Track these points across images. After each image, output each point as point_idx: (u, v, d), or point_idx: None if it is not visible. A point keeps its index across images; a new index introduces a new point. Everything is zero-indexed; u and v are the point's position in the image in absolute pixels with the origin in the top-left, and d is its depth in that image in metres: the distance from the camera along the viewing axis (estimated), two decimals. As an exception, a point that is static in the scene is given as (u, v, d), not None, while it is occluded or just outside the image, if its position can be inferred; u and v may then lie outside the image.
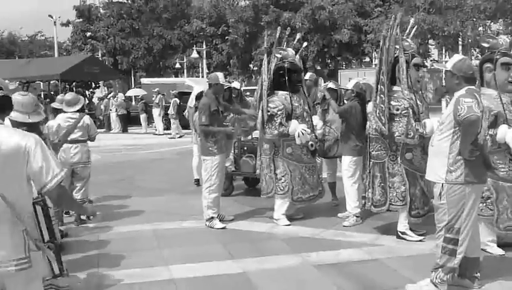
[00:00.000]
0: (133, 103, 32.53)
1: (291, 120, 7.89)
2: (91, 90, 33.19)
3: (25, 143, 3.22)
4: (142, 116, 26.44)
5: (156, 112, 24.96)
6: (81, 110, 8.46)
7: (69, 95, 8.53)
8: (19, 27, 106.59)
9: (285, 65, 8.06)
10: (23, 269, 3.23)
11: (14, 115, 4.80)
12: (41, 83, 34.96)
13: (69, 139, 8.21)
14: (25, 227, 3.27)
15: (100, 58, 40.13)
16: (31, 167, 3.22)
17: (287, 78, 8.00)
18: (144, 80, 33.34)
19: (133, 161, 15.81)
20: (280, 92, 8.03)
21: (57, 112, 8.54)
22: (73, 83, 31.68)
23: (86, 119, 8.44)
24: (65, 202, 3.53)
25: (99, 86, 38.01)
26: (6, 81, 6.86)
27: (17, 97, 4.87)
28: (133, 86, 43.38)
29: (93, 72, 29.27)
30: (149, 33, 43.70)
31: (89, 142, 8.50)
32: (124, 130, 26.75)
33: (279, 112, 7.86)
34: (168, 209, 9.26)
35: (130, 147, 19.61)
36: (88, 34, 46.48)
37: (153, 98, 25.22)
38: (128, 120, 27.97)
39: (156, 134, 24.60)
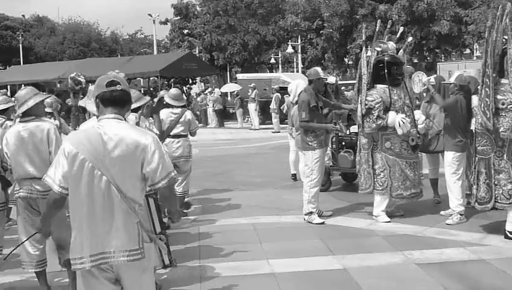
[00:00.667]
0: (229, 98, 33.07)
1: (388, 113, 7.73)
2: (188, 85, 34.07)
3: (144, 141, 3.36)
4: (238, 111, 26.82)
5: (252, 107, 25.22)
6: (183, 106, 8.69)
7: (174, 90, 8.80)
8: (120, 26, 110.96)
9: (385, 58, 7.90)
10: (136, 259, 3.35)
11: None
12: (142, 80, 36.23)
13: (171, 133, 8.46)
14: (138, 219, 3.39)
15: (197, 55, 40.99)
16: (148, 165, 3.36)
17: (386, 71, 7.84)
18: (240, 76, 33.76)
19: (230, 155, 16.07)
20: (379, 86, 7.87)
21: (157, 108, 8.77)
22: (172, 79, 32.62)
23: (188, 114, 8.65)
24: (172, 199, 3.63)
25: (196, 82, 38.97)
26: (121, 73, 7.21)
27: None
28: (228, 81, 44.09)
29: (191, 69, 29.98)
30: (244, 29, 44.20)
31: (189, 136, 8.74)
32: (221, 124, 27.25)
33: (376, 105, 7.71)
34: (266, 203, 9.33)
35: (227, 142, 19.95)
36: (185, 31, 47.64)
37: (249, 93, 25.50)
38: (225, 115, 28.45)
39: (252, 129, 24.86)
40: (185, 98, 8.99)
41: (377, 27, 8.21)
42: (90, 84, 12.07)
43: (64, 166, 3.36)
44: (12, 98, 8.27)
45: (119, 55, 52.89)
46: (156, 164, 3.34)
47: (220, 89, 31.25)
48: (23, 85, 33.16)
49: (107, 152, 3.32)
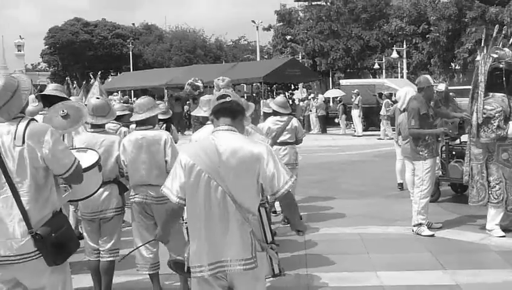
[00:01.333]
0: (331, 104, 32.89)
1: (508, 122, 7.38)
2: (290, 91, 34.21)
3: (257, 151, 3.43)
4: (342, 118, 26.61)
5: (356, 113, 24.93)
6: (289, 113, 8.77)
7: (281, 98, 8.91)
8: (224, 33, 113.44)
9: (502, 66, 7.54)
10: (251, 268, 3.41)
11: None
12: (245, 86, 36.84)
13: (278, 141, 8.54)
14: (251, 228, 3.44)
15: (300, 61, 41.10)
16: (263, 174, 3.41)
17: (504, 79, 7.48)
18: (343, 81, 33.51)
19: (333, 162, 15.99)
20: (497, 94, 7.52)
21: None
22: (274, 85, 32.90)
23: (294, 121, 8.71)
24: (292, 208, 3.64)
25: (298, 88, 39.05)
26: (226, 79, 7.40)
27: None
28: (331, 87, 43.85)
29: (294, 75, 30.11)
30: (347, 34, 43.81)
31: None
32: (323, 131, 27.16)
33: (497, 114, 7.36)
34: (372, 213, 9.18)
35: (330, 148, 19.87)
36: (288, 37, 47.92)
37: (352, 99, 25.24)
38: (327, 121, 28.34)
39: (355, 135, 24.58)
40: (287, 105, 9.06)
41: (494, 33, 7.82)
42: (204, 91, 12.35)
43: (182, 177, 3.48)
44: (125, 105, 8.68)
45: (224, 61, 54.02)
46: (272, 173, 3.40)
47: (323, 94, 31.16)
48: (132, 91, 34.51)
49: (222, 163, 3.41)
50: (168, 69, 42.93)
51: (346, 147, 19.89)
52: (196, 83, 13.29)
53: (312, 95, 29.64)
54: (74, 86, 18.04)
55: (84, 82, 16.65)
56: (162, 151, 5.39)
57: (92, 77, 17.05)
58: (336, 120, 28.25)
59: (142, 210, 5.48)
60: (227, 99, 3.57)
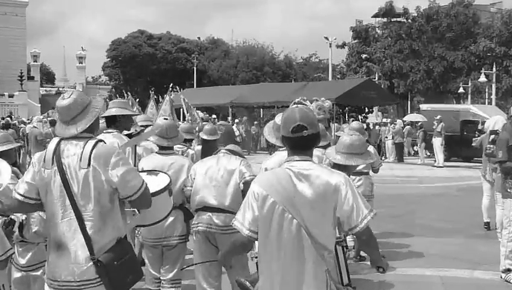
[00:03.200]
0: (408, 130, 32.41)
1: None
2: (364, 114, 33.94)
3: (335, 181, 3.42)
4: (421, 146, 26.17)
5: (437, 142, 24.35)
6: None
7: (357, 124, 8.85)
8: (294, 49, 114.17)
9: None
10: (327, 311, 3.39)
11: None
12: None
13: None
14: (327, 267, 3.43)
15: (376, 82, 40.84)
16: (341, 207, 3.40)
17: None
18: (424, 106, 32.97)
19: (410, 194, 15.73)
20: None
21: None
22: (347, 108, 32.73)
23: (370, 149, 8.62)
24: (372, 244, 3.61)
25: (372, 111, 38.74)
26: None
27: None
28: (409, 112, 43.28)
29: (369, 97, 29.88)
30: (429, 54, 43.28)
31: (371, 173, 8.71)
32: (400, 159, 26.78)
33: None
34: (455, 254, 8.95)
35: (407, 179, 19.57)
36: (364, 56, 47.76)
37: (434, 126, 24.73)
38: (402, 149, 27.98)
39: (436, 166, 24.04)
40: (365, 132, 9.01)
41: None
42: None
43: (254, 209, 3.50)
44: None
45: (293, 80, 54.28)
46: (351, 205, 3.38)
47: (402, 119, 30.73)
48: (195, 108, 35.25)
49: (297, 194, 3.41)
50: (233, 87, 43.54)
51: (425, 179, 19.55)
52: (303, 103, 13.50)
53: (388, 120, 29.32)
54: (135, 99, 18.60)
55: (155, 97, 17.04)
56: (236, 179, 5.49)
57: (152, 91, 17.50)
58: (415, 148, 27.82)
59: (205, 239, 5.55)
60: (304, 133, 3.48)
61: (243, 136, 27.45)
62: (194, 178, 5.60)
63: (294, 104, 12.20)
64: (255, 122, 28.96)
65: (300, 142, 3.50)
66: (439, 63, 42.88)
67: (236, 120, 30.54)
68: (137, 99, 18.54)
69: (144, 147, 7.12)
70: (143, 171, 4.70)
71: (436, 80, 43.90)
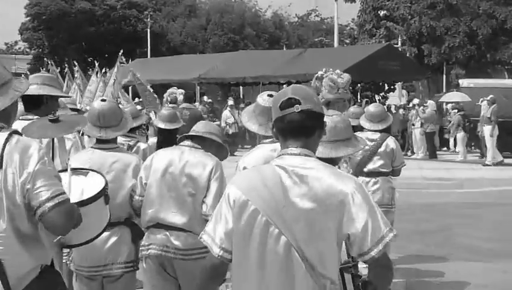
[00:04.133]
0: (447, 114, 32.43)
1: None
2: (382, 94, 34.02)
3: (343, 188, 3.36)
4: (459, 136, 26.20)
5: (487, 131, 24.08)
6: (383, 130, 8.80)
7: (374, 107, 8.95)
8: (286, 4, 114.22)
9: None
10: None
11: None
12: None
13: (365, 170, 8.60)
14: (329, 305, 3.41)
15: (399, 49, 40.92)
16: (350, 224, 3.35)
17: None
18: (464, 82, 32.99)
19: (446, 203, 15.83)
20: None
21: None
22: (359, 84, 32.76)
23: (390, 142, 8.74)
24: (385, 277, 3.55)
25: (395, 89, 38.88)
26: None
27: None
28: (444, 89, 43.45)
29: (389, 69, 29.94)
30: (472, 11, 43.46)
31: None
32: (432, 155, 26.88)
33: None
34: (509, 285, 9.04)
35: (441, 183, 19.68)
36: (382, 13, 47.76)
37: (483, 111, 24.53)
38: (439, 140, 28.07)
39: (487, 164, 24.02)
40: (388, 114, 9.12)
41: None
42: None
43: (228, 220, 3.47)
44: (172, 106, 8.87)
45: (285, 46, 54.22)
46: (363, 222, 3.32)
47: (434, 100, 30.70)
48: (149, 86, 35.27)
49: (289, 202, 3.36)
50: (202, 56, 43.49)
51: (467, 182, 19.61)
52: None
53: (416, 101, 29.33)
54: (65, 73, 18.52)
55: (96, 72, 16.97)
56: (205, 184, 5.54)
57: (95, 63, 17.45)
58: (450, 139, 28.04)
59: (159, 268, 5.56)
60: (296, 108, 3.44)
61: (238, 126, 26.96)
62: (145, 183, 5.61)
63: (316, 78, 12.01)
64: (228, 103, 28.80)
65: (294, 124, 3.45)
66: (486, 22, 43.05)
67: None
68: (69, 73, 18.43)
69: (75, 141, 7.03)
70: (63, 170, 4.65)
71: (481, 45, 44.08)
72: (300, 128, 3.48)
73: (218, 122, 29.53)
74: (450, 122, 27.17)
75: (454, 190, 18.26)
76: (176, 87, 16.90)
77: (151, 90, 16.94)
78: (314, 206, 3.37)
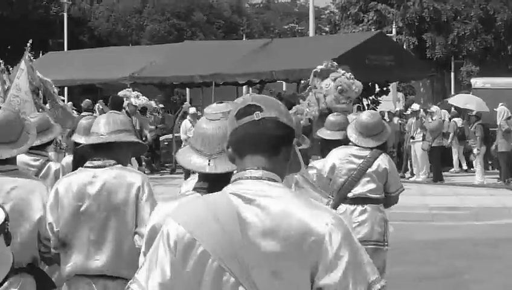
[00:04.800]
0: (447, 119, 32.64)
1: None
2: (372, 97, 34.13)
3: (317, 226, 3.30)
4: (479, 151, 26.45)
5: (503, 144, 24.68)
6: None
7: (368, 116, 8.95)
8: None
9: None
10: None
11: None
12: (284, 84, 37.08)
13: (350, 195, 8.67)
14: None
15: (394, 39, 41.20)
16: (326, 273, 3.32)
17: None
18: (478, 81, 33.34)
19: (457, 240, 15.93)
20: None
21: None
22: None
23: (383, 160, 8.82)
24: None
25: (388, 91, 39.06)
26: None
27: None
28: (452, 91, 43.85)
29: (381, 65, 30.11)
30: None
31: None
32: (437, 177, 27.08)
33: None
34: None
35: (451, 212, 19.84)
36: (370, -8, 48.30)
37: (499, 117, 24.92)
38: (444, 158, 28.29)
39: (505, 185, 24.30)
40: (385, 128, 9.13)
41: None
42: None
43: (166, 267, 3.44)
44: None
45: (245, 36, 54.53)
46: (342, 272, 3.31)
47: (438, 105, 30.92)
48: (65, 88, 35.25)
49: (248, 242, 3.33)
50: (136, 48, 43.51)
51: (484, 212, 19.78)
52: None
53: (416, 107, 29.52)
54: None
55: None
56: (133, 211, 5.53)
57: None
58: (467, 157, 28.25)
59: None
60: (257, 116, 3.44)
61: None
62: (57, 230, 5.63)
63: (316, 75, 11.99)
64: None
65: (253, 136, 3.44)
66: (505, 4, 43.64)
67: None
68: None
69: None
70: None
71: (499, 34, 44.64)
72: (261, 142, 3.45)
73: (169, 136, 29.90)
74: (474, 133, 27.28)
75: (466, 222, 18.41)
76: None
77: (61, 102, 16.75)
78: (281, 249, 3.33)
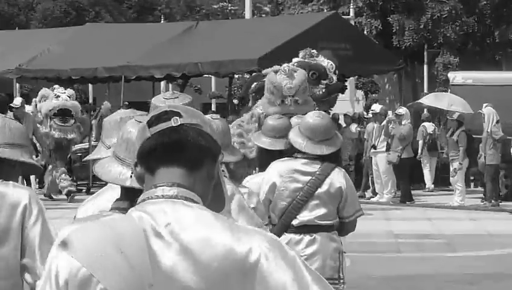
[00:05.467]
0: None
1: None
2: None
3: (246, 251, 3.35)
4: (458, 165, 26.71)
5: (493, 155, 24.86)
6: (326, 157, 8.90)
7: (315, 117, 8.99)
8: None
9: None
10: None
11: None
12: (213, 79, 37.18)
13: (295, 222, 8.72)
14: None
15: (352, 23, 41.40)
16: None
17: None
18: (458, 76, 33.58)
19: (427, 275, 16.19)
20: None
21: None
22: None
23: (338, 177, 8.88)
24: None
25: (345, 88, 39.25)
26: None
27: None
28: (424, 89, 44.20)
29: (335, 55, 30.15)
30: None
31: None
32: (406, 197, 27.21)
33: None
34: None
35: (423, 241, 20.08)
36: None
37: (487, 120, 25.12)
38: (414, 173, 28.54)
39: (490, 207, 24.52)
40: (338, 135, 9.19)
41: None
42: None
43: None
44: None
45: (163, 17, 54.44)
46: None
47: (408, 106, 31.18)
48: None
49: (161, 278, 3.35)
50: (25, 33, 43.25)
51: (461, 241, 20.06)
52: None
53: (377, 108, 29.71)
54: None
55: None
56: (17, 236, 5.57)
57: None
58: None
59: None
60: (175, 121, 3.51)
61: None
62: None
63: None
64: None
65: (170, 145, 3.43)
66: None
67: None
68: None
69: None
70: None
71: (484, 17, 45.07)
72: (179, 151, 3.46)
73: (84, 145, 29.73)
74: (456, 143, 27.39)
75: (440, 253, 18.61)
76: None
77: None
78: (205, 285, 3.37)
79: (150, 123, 3.48)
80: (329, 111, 33.01)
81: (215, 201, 3.72)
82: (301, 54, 19.47)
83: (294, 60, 19.05)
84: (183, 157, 3.48)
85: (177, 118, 3.44)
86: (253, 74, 27.41)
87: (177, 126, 3.42)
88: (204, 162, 3.50)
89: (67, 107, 27.69)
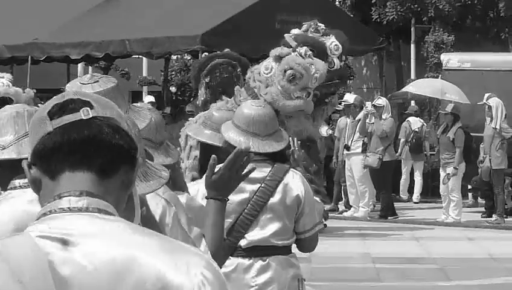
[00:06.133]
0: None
1: None
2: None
3: (183, 280, 3.37)
4: (453, 170, 26.83)
5: (501, 158, 25.04)
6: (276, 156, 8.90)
7: (254, 107, 8.99)
8: None
9: None
10: None
11: None
12: (145, 60, 37.30)
13: (242, 243, 8.70)
14: None
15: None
16: None
17: None
18: (451, 58, 33.74)
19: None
20: None
21: None
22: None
23: (294, 181, 8.87)
24: None
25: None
26: None
27: None
28: (411, 74, 44.42)
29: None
30: None
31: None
32: (386, 210, 27.35)
33: None
34: None
35: (410, 267, 20.27)
36: None
37: (495, 114, 25.30)
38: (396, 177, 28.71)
39: (495, 224, 24.70)
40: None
41: None
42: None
43: None
44: None
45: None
46: None
47: (389, 97, 31.34)
48: None
49: None
50: None
51: (457, 266, 20.19)
52: None
53: (351, 98, 29.84)
54: None
55: None
56: None
57: None
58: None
59: None
60: (86, 112, 3.46)
61: None
62: None
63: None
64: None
65: (79, 144, 3.33)
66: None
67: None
68: None
69: None
70: None
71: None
72: (89, 152, 3.42)
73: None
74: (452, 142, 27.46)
75: (429, 282, 18.67)
76: None
77: None
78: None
79: (52, 114, 3.37)
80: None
81: (125, 217, 3.57)
82: (304, 26, 19.19)
83: (293, 31, 18.73)
84: (95, 159, 3.36)
85: (88, 108, 3.33)
86: (209, 54, 27.39)
87: (88, 119, 3.36)
88: (120, 167, 3.42)
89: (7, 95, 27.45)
